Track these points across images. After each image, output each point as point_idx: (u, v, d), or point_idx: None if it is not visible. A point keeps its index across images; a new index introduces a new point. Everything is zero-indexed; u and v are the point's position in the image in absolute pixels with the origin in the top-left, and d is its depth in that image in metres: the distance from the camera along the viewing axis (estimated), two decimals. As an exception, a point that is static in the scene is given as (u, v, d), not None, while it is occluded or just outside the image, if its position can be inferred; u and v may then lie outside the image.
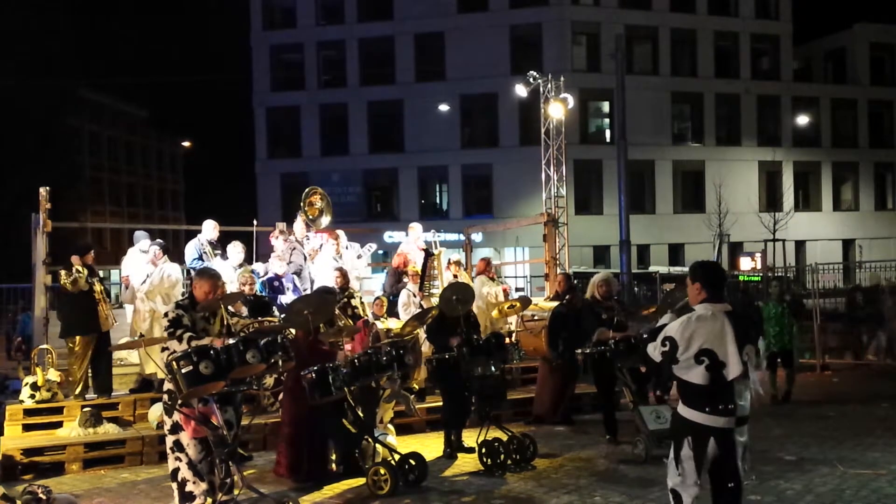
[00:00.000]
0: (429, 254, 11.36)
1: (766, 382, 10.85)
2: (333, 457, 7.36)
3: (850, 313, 15.08)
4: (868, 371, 13.85)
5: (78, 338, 8.68)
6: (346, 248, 11.57)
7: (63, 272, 8.59)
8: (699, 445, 4.21)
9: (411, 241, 12.05)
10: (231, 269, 9.85)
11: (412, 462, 6.88)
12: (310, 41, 39.36)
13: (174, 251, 10.82)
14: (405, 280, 10.92)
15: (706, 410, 4.20)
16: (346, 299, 9.05)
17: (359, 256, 11.80)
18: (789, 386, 11.04)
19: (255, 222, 11.57)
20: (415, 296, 10.47)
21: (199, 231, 10.76)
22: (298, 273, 10.73)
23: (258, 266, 10.86)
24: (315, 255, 11.25)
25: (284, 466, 7.12)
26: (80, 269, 8.60)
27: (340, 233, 11.58)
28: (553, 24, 37.20)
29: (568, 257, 15.57)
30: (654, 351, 4.35)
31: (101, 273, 9.33)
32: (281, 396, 8.72)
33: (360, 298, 9.75)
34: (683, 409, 4.32)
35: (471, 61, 36.64)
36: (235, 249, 10.22)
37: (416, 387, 9.53)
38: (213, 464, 5.72)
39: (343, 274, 9.51)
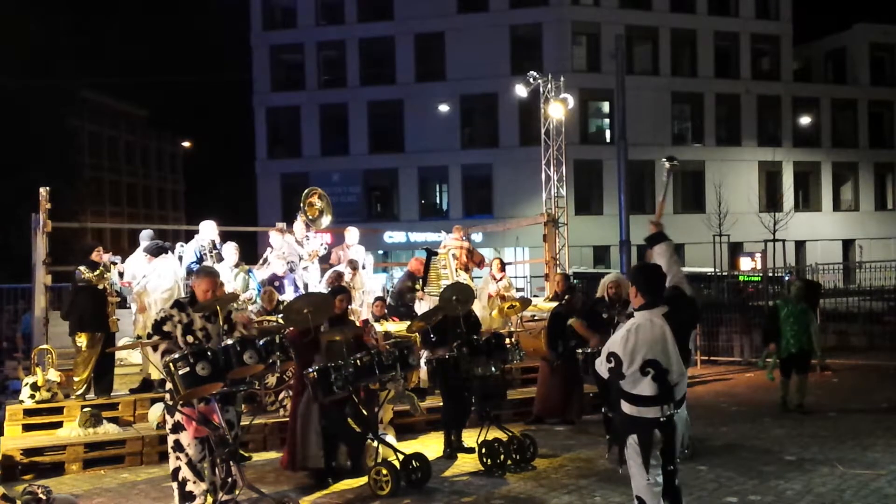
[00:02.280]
0: (432, 253, 11.37)
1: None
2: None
3: None
4: (868, 371, 13.86)
5: (87, 335, 8.64)
6: (352, 246, 11.52)
7: (86, 268, 8.61)
8: (645, 439, 4.17)
9: (458, 239, 11.97)
10: (227, 269, 9.84)
11: (416, 463, 6.87)
12: (310, 41, 39.35)
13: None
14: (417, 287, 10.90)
15: (651, 406, 4.17)
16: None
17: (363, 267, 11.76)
18: (801, 397, 10.11)
19: (277, 225, 11.54)
20: (419, 298, 10.50)
21: (198, 232, 10.69)
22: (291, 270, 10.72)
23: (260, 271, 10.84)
24: (315, 255, 11.24)
25: (288, 460, 7.11)
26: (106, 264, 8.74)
27: (352, 230, 11.44)
28: (553, 25, 37.19)
29: (568, 257, 15.56)
30: (602, 367, 4.26)
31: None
32: (282, 396, 8.76)
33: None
34: (627, 407, 4.25)
35: (471, 61, 36.62)
36: (230, 250, 10.19)
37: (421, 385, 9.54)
38: (214, 463, 5.72)
39: (338, 276, 9.49)
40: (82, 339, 8.64)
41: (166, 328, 5.77)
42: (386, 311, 10.44)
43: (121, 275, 9.49)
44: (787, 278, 13.35)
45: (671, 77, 38.71)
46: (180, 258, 10.06)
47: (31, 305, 10.50)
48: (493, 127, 37.99)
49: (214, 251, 10.27)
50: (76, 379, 8.73)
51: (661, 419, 4.16)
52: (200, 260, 10.16)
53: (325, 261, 11.82)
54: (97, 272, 8.67)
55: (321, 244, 11.49)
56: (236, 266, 10.10)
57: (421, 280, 11.16)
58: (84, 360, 8.68)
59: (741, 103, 39.53)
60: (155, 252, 9.39)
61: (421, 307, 10.59)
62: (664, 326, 4.17)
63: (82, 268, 8.66)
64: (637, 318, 4.22)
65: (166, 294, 9.05)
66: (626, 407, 4.24)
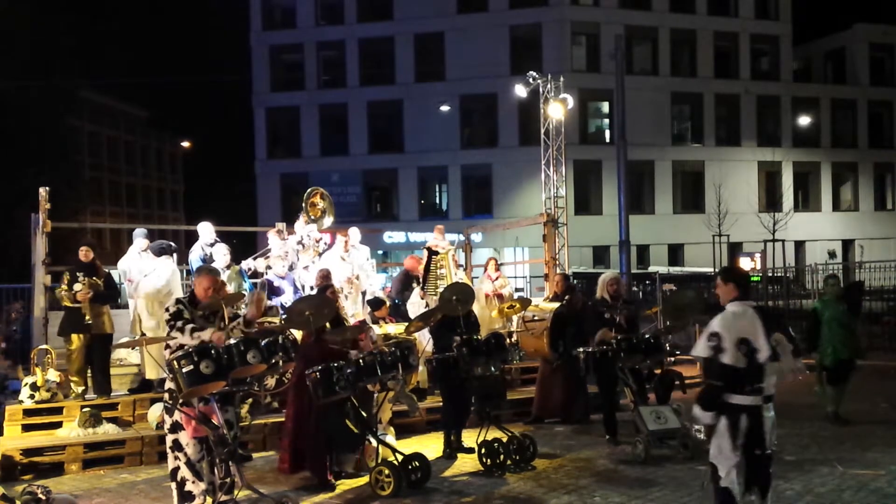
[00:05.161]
0: (433, 252, 11.34)
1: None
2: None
3: None
4: (868, 371, 13.84)
5: (73, 336, 8.71)
6: (354, 247, 11.43)
7: (64, 287, 8.67)
8: (733, 422, 4.76)
9: (438, 239, 11.98)
10: (219, 270, 9.80)
11: (415, 463, 6.87)
12: (310, 41, 39.34)
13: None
14: (414, 285, 10.86)
15: (741, 392, 4.76)
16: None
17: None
18: (839, 403, 9.43)
19: (277, 225, 11.50)
20: (420, 297, 10.48)
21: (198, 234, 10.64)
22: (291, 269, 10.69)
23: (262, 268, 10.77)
24: (315, 254, 11.20)
25: (288, 462, 7.10)
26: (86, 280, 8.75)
27: (353, 230, 11.38)
28: (553, 25, 37.19)
29: (567, 257, 15.56)
30: (703, 346, 4.87)
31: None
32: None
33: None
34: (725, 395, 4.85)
35: (471, 61, 36.60)
36: (220, 251, 10.14)
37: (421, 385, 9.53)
38: (213, 463, 5.72)
39: (325, 275, 9.37)
40: (71, 341, 8.76)
41: (186, 315, 5.75)
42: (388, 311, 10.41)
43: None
44: (830, 272, 12.47)
45: (671, 77, 38.71)
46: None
47: (31, 306, 10.50)
48: (493, 127, 38.00)
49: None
50: (73, 379, 8.78)
51: (749, 406, 4.75)
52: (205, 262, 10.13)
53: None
54: (75, 291, 8.71)
55: (320, 242, 11.38)
56: (227, 267, 10.08)
57: (418, 279, 11.14)
58: (74, 358, 8.77)
59: (741, 103, 39.52)
60: (158, 252, 9.40)
61: (420, 308, 10.56)
62: (756, 315, 4.86)
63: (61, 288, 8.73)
64: (733, 307, 4.93)
65: (170, 292, 9.10)
66: (725, 395, 4.83)
